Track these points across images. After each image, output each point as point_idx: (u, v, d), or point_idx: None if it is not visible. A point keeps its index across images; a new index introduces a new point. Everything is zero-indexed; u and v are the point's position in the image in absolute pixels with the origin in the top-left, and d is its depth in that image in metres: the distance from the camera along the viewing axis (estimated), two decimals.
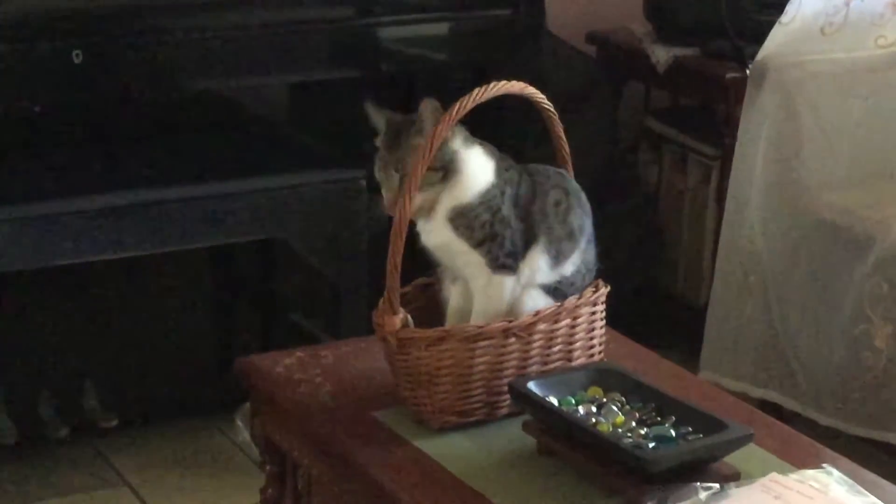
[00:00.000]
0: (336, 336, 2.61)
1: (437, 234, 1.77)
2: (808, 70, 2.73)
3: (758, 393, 2.77)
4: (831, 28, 2.67)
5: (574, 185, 1.83)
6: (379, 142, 1.78)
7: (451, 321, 1.81)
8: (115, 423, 2.74)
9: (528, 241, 1.78)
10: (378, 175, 1.77)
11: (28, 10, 2.45)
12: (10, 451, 2.70)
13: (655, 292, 3.29)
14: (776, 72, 2.74)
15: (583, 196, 1.83)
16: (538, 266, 1.79)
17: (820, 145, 2.72)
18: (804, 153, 2.74)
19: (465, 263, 1.78)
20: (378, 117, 1.79)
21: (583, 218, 1.82)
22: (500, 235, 1.76)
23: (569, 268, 1.80)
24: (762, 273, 2.79)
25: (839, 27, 2.69)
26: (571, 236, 1.80)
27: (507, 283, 1.78)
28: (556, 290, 1.80)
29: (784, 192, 2.77)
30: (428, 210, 1.76)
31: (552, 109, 1.79)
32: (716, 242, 3.03)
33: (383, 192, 1.76)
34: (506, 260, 1.77)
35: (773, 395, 2.76)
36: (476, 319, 1.78)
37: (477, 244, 1.76)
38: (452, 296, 1.82)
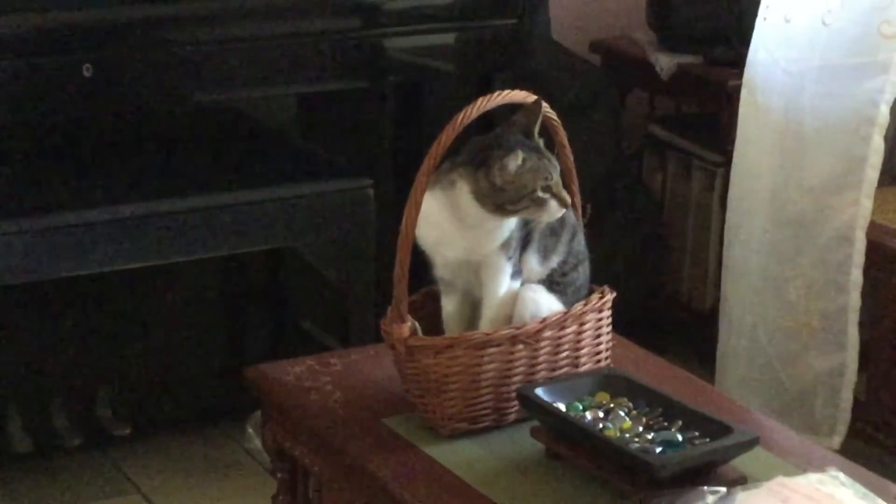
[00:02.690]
0: (345, 343, 2.62)
1: (483, 247, 1.78)
2: (799, 76, 2.69)
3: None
4: (830, 16, 2.58)
5: None
6: (528, 166, 1.74)
7: (450, 330, 1.83)
8: (127, 431, 2.76)
9: (524, 244, 1.81)
10: (547, 182, 1.75)
11: (38, 25, 2.46)
12: (24, 460, 2.72)
13: (661, 298, 3.30)
14: (771, 78, 2.73)
15: None
16: (532, 265, 1.82)
17: (818, 148, 2.71)
18: (805, 156, 2.74)
19: (491, 275, 1.80)
20: (516, 155, 1.74)
21: None
22: (516, 243, 1.80)
23: (555, 260, 1.84)
24: (754, 281, 2.80)
25: (837, 14, 2.57)
26: (554, 231, 1.83)
27: (515, 287, 1.81)
28: (548, 281, 1.83)
29: (783, 197, 2.77)
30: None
31: (556, 118, 1.81)
32: (720, 247, 3.05)
33: (558, 192, 1.76)
34: (516, 266, 1.81)
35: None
36: (486, 326, 1.81)
37: (509, 257, 1.80)
38: (448, 305, 1.84)
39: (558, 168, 1.78)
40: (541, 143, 1.79)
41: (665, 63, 3.15)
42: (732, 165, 2.83)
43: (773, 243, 2.68)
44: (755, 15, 2.96)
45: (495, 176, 1.74)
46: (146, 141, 2.74)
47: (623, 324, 1.99)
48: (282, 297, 3.02)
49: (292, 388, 1.93)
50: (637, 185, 3.32)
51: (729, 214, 2.83)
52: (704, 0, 3.11)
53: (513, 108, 1.80)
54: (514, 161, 1.74)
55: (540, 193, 1.75)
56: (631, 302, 3.00)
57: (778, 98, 2.67)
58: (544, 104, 1.79)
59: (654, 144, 3.35)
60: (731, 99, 2.98)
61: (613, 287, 1.89)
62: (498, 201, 1.75)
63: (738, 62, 3.00)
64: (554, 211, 1.77)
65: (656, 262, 3.29)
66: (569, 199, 1.78)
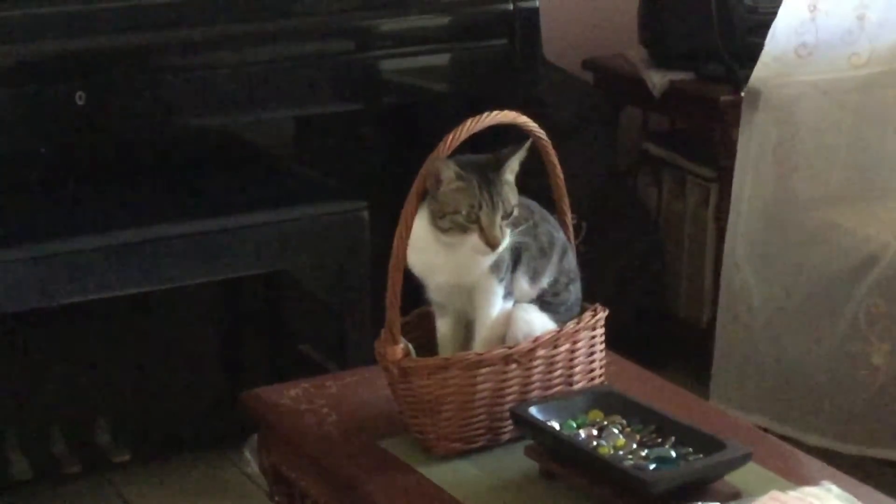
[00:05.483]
0: (342, 365, 2.63)
1: (470, 271, 1.78)
2: (796, 91, 2.74)
3: (754, 419, 2.78)
4: (805, 49, 2.67)
5: (532, 201, 1.86)
6: (457, 185, 1.73)
7: (445, 351, 1.84)
8: (127, 457, 2.76)
9: (514, 265, 1.81)
10: (475, 213, 1.72)
11: (30, 53, 2.47)
12: (24, 487, 2.72)
13: (657, 313, 3.30)
14: (768, 94, 2.76)
15: (544, 210, 1.86)
16: (522, 287, 1.83)
17: (814, 164, 2.74)
18: (799, 172, 2.77)
19: (483, 297, 1.80)
20: (446, 167, 1.73)
21: (550, 231, 1.85)
22: (506, 264, 1.80)
23: (545, 280, 1.84)
24: (753, 296, 2.81)
25: (812, 48, 2.68)
26: (543, 252, 1.83)
27: (508, 307, 1.82)
28: (539, 301, 1.83)
29: (781, 212, 2.79)
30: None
31: (545, 138, 1.82)
32: (716, 262, 3.06)
33: (486, 228, 1.72)
34: (507, 286, 1.81)
35: (760, 420, 2.78)
36: (479, 347, 1.81)
37: (500, 279, 1.80)
38: (442, 327, 1.85)
39: (504, 212, 1.73)
40: (509, 178, 1.75)
41: (657, 80, 3.16)
42: (732, 190, 2.84)
43: (833, 271, 2.69)
44: (746, 31, 2.98)
45: (432, 182, 1.73)
46: (140, 167, 2.75)
47: (619, 340, 2.00)
48: (279, 320, 3.03)
49: (288, 411, 1.94)
50: (632, 202, 3.33)
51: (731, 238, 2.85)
52: (696, 17, 3.12)
53: (513, 127, 1.80)
54: (446, 171, 1.72)
55: (462, 218, 1.73)
56: (627, 318, 3.01)
57: (819, 120, 2.71)
58: (534, 124, 1.80)
59: (648, 161, 3.36)
60: (723, 115, 2.99)
61: (609, 304, 1.90)
62: (432, 209, 1.74)
63: (730, 78, 3.01)
64: (475, 245, 1.73)
65: (652, 278, 3.29)
66: (498, 244, 1.73)
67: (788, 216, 2.79)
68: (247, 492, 2.80)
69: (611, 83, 3.36)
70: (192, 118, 2.65)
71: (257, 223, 2.57)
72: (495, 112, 1.74)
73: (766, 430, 2.74)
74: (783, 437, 2.65)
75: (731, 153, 2.91)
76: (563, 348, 1.83)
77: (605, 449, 1.69)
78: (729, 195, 2.96)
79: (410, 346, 1.79)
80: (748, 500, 1.62)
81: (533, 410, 1.75)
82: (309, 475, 1.88)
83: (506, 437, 1.81)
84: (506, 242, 1.75)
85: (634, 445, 1.70)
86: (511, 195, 1.76)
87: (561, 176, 1.86)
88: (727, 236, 2.88)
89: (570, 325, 1.83)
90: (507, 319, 1.81)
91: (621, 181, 3.36)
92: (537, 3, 2.88)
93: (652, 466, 1.65)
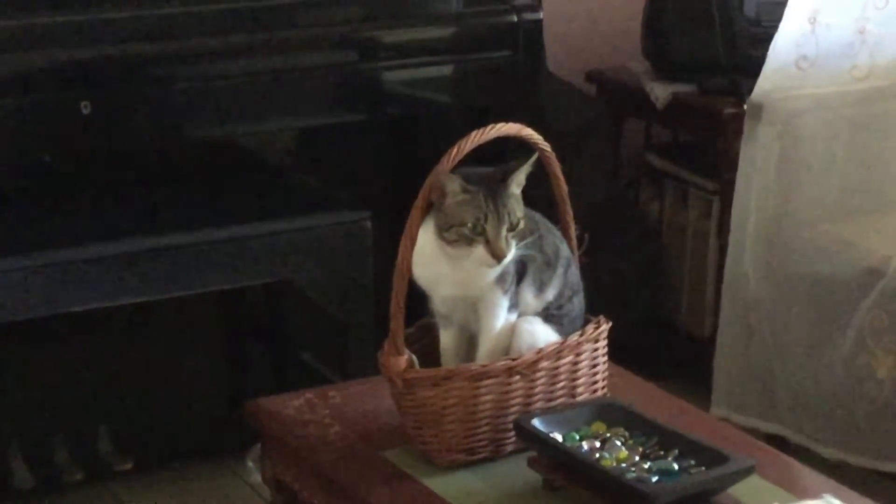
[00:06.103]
0: (345, 375, 2.63)
1: (475, 284, 1.79)
2: (798, 104, 2.75)
3: (765, 427, 2.79)
4: (805, 62, 2.68)
5: (536, 213, 1.86)
6: (462, 198, 1.73)
7: (448, 363, 1.84)
8: (129, 466, 2.76)
9: (519, 277, 1.82)
10: (481, 226, 1.72)
11: (36, 62, 2.48)
12: (26, 496, 2.72)
13: (659, 325, 3.31)
14: (771, 106, 2.77)
15: (548, 222, 1.86)
16: (527, 299, 1.83)
17: (816, 177, 2.74)
18: (802, 186, 2.77)
19: (488, 309, 1.81)
20: (451, 180, 1.74)
21: (555, 243, 1.86)
22: (511, 276, 1.81)
23: (551, 293, 1.84)
24: (760, 308, 2.81)
25: (812, 61, 2.69)
26: (549, 264, 1.84)
27: (512, 320, 1.82)
28: (544, 314, 1.83)
29: (783, 225, 2.80)
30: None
31: (549, 150, 1.82)
32: (718, 275, 3.06)
33: (492, 240, 1.73)
34: (512, 299, 1.82)
35: (778, 429, 2.78)
36: (483, 359, 1.81)
37: (505, 291, 1.80)
38: (446, 338, 1.85)
39: (510, 224, 1.74)
40: (515, 191, 1.76)
41: (660, 92, 3.17)
42: (734, 202, 2.84)
43: (837, 285, 2.69)
44: (749, 43, 2.99)
45: (438, 195, 1.74)
46: (144, 177, 2.76)
47: (620, 352, 2.00)
48: (282, 329, 3.03)
49: (291, 421, 1.94)
50: (634, 214, 3.34)
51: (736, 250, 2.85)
52: (699, 29, 3.13)
53: (516, 138, 1.80)
54: (452, 184, 1.73)
55: (468, 231, 1.73)
56: (629, 330, 3.00)
57: (822, 132, 2.71)
58: (539, 136, 1.80)
59: (651, 173, 3.36)
60: (726, 127, 3.00)
61: (611, 316, 1.90)
62: (437, 222, 1.75)
63: (732, 91, 3.02)
64: (481, 257, 1.73)
65: (654, 290, 3.30)
66: (504, 256, 1.73)
67: (791, 229, 2.79)
68: (249, 502, 2.80)
69: (614, 95, 3.36)
70: (196, 128, 2.65)
71: (261, 233, 2.58)
72: (500, 124, 1.75)
73: (771, 435, 2.76)
74: (787, 445, 2.67)
75: (734, 166, 2.91)
76: (566, 360, 1.83)
77: (608, 461, 1.69)
78: (731, 208, 2.97)
79: (414, 357, 1.79)
80: None
81: (536, 422, 1.75)
82: (312, 485, 1.88)
83: (509, 448, 1.82)
84: (511, 255, 1.75)
85: (637, 458, 1.71)
86: (517, 208, 1.76)
87: (564, 187, 1.86)
88: (730, 248, 2.88)
89: (574, 337, 1.84)
90: (511, 331, 1.81)
91: (623, 193, 3.37)
92: (541, 15, 2.89)
93: (654, 479, 1.65)
